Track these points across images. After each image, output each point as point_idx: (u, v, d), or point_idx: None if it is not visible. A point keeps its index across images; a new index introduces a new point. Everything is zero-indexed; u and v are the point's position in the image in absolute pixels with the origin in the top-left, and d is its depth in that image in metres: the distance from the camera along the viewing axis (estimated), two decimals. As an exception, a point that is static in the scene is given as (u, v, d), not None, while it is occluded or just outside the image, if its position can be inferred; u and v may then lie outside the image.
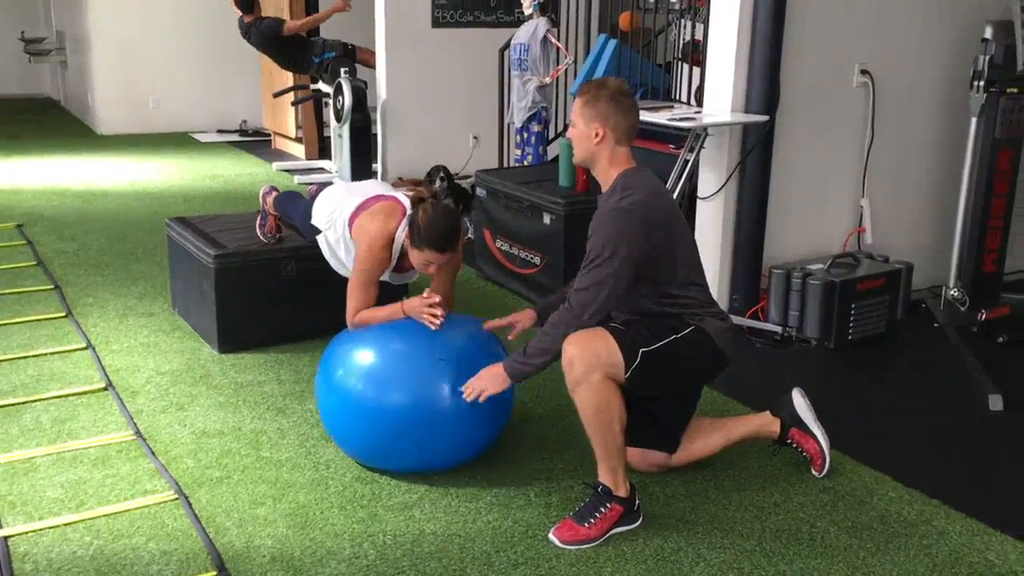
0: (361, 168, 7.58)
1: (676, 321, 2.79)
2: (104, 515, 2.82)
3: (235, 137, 10.34)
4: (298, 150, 9.08)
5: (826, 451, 3.09)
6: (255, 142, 10.02)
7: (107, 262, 5.48)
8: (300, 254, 4.18)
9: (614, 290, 2.71)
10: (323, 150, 8.91)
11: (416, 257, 3.12)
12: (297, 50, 8.05)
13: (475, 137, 7.99)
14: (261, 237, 4.21)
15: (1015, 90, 4.52)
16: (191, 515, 2.83)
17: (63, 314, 4.57)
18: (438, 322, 3.01)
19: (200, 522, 2.79)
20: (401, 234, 3.23)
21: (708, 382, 3.07)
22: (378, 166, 7.87)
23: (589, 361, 2.64)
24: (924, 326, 4.62)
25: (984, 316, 4.58)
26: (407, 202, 3.31)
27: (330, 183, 7.48)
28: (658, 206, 2.75)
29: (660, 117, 4.31)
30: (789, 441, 3.12)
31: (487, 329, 3.13)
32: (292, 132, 9.06)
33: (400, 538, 2.74)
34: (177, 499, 2.92)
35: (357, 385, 2.99)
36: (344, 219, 3.44)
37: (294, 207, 3.98)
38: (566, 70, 6.02)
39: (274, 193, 4.16)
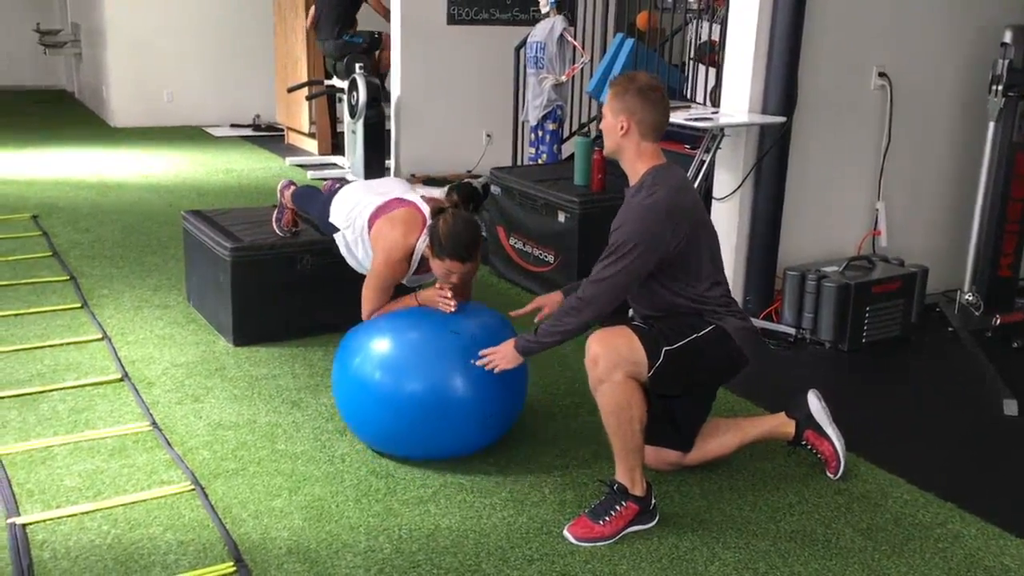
0: (374, 164, 7.59)
1: (696, 319, 2.79)
2: (121, 504, 2.84)
3: (248, 132, 10.36)
4: (311, 145, 9.09)
5: (841, 453, 3.09)
6: (268, 137, 10.04)
7: (122, 254, 5.50)
8: (316, 248, 4.18)
9: (628, 284, 2.74)
10: (336, 146, 8.93)
11: (437, 267, 3.14)
12: (343, 12, 8.01)
13: (488, 135, 8.00)
14: (277, 230, 4.22)
15: (1033, 95, 4.51)
16: (207, 506, 2.84)
17: (79, 305, 4.59)
18: (452, 305, 3.09)
19: (216, 513, 2.80)
20: (421, 245, 3.27)
21: (727, 381, 3.07)
22: (391, 162, 7.88)
23: (612, 359, 2.65)
24: (938, 330, 4.62)
25: (999, 321, 4.57)
26: (427, 210, 3.32)
27: (343, 178, 7.54)
28: (684, 203, 2.76)
29: (677, 117, 4.30)
30: (804, 442, 3.12)
31: (515, 316, 3.19)
32: (305, 127, 9.07)
33: (415, 532, 2.75)
34: (193, 490, 2.93)
35: (374, 372, 3.04)
36: (364, 219, 3.45)
37: (312, 203, 3.99)
38: (582, 69, 6.02)
39: (292, 187, 4.17)
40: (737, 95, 4.38)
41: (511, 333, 3.13)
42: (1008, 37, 4.45)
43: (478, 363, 2.94)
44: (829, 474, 3.11)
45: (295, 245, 4.19)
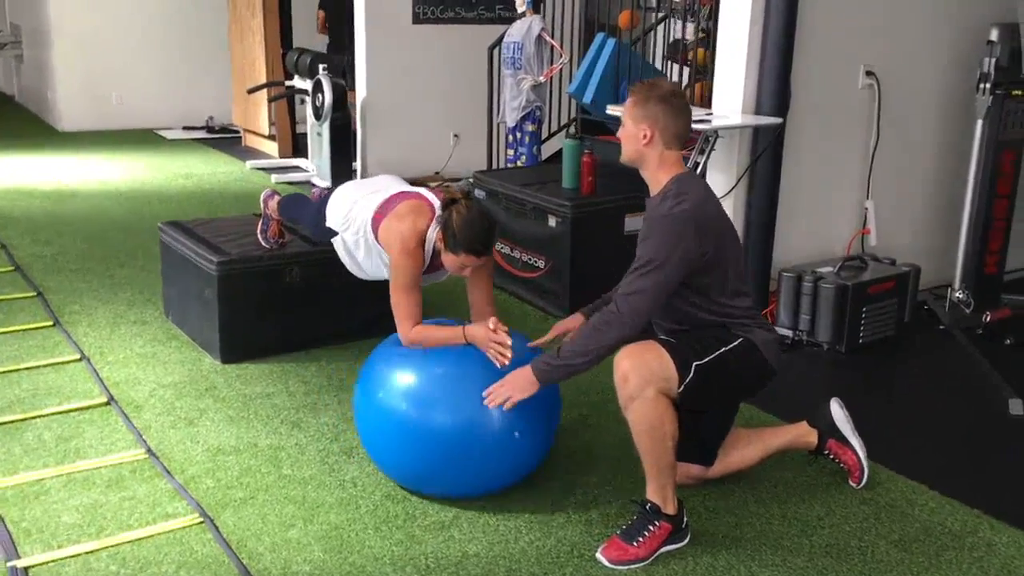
0: (341, 167, 7.43)
1: (724, 332, 2.72)
2: (127, 541, 2.68)
3: (202, 134, 10.09)
4: (271, 148, 8.87)
5: (864, 462, 3.04)
6: (223, 139, 9.78)
7: (89, 267, 5.27)
8: (304, 260, 4.05)
9: (661, 296, 2.65)
10: (297, 148, 8.73)
11: (451, 261, 2.97)
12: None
13: (455, 135, 7.88)
14: (263, 242, 4.06)
15: (1019, 92, 4.53)
16: (220, 540, 2.69)
17: (50, 323, 4.37)
18: (506, 361, 2.79)
19: (231, 547, 2.66)
20: (432, 234, 3.08)
21: (755, 394, 3.00)
22: (358, 164, 7.72)
23: (643, 376, 2.56)
24: (929, 328, 4.62)
25: (989, 318, 4.59)
26: (434, 200, 3.18)
27: (309, 182, 7.36)
28: (710, 213, 2.69)
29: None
30: (826, 452, 3.07)
31: (532, 348, 2.96)
32: (265, 129, 8.84)
33: (443, 561, 2.63)
34: (202, 522, 2.78)
35: (406, 408, 2.82)
36: (365, 219, 3.28)
37: (301, 210, 3.84)
38: (561, 69, 5.92)
39: (276, 197, 4.01)
40: (730, 96, 4.32)
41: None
42: (994, 35, 4.46)
43: (486, 401, 2.73)
44: (852, 483, 3.07)
45: (283, 257, 4.03)
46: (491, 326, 2.83)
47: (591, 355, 2.66)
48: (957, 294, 4.70)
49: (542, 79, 5.78)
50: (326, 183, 7.42)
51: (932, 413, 3.74)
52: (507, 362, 2.78)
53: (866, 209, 4.79)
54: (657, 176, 2.74)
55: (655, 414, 2.58)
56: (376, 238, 3.23)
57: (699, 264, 2.64)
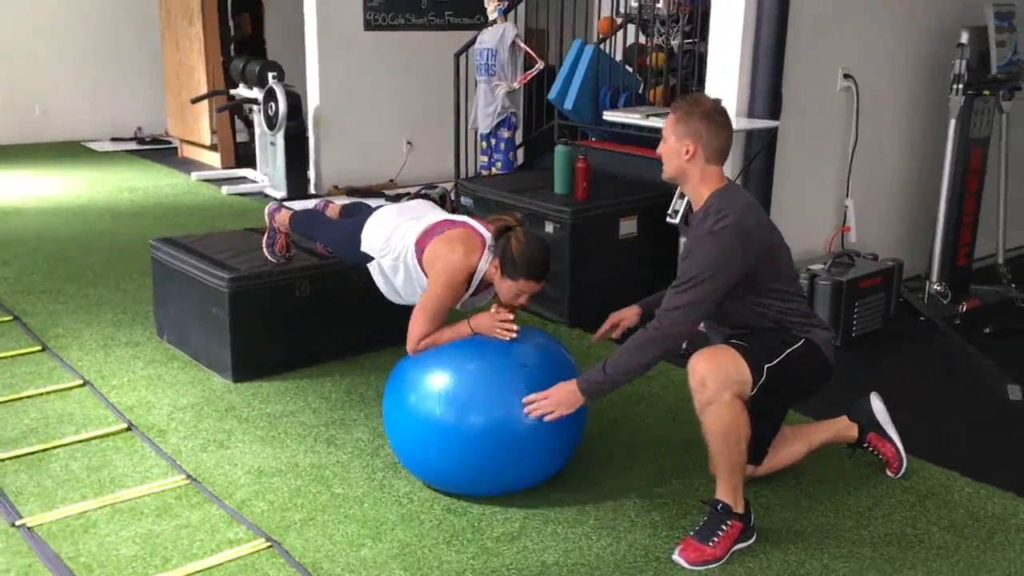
0: (297, 177, 7.31)
1: (785, 334, 2.79)
2: (198, 571, 2.60)
3: (132, 145, 9.76)
4: (212, 159, 8.64)
5: (903, 453, 3.16)
6: (157, 151, 9.49)
7: (59, 287, 5.06)
8: (312, 273, 3.98)
9: (704, 312, 2.72)
10: (239, 158, 8.53)
11: (508, 287, 2.98)
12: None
13: (409, 142, 7.83)
14: (270, 257, 3.97)
15: (988, 92, 4.76)
16: (294, 563, 2.63)
17: (38, 348, 4.19)
18: (514, 333, 2.94)
19: (308, 571, 2.60)
20: (484, 265, 3.09)
21: (815, 394, 3.07)
22: (312, 174, 7.60)
23: (721, 380, 2.61)
24: (909, 320, 4.80)
25: (965, 308, 4.80)
26: (482, 230, 3.16)
27: (262, 192, 7.21)
28: (753, 224, 2.74)
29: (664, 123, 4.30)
30: (866, 445, 3.17)
31: (597, 340, 3.16)
32: (207, 140, 8.60)
33: (524, 572, 2.63)
34: (270, 546, 2.71)
35: (437, 410, 2.87)
36: (409, 243, 3.23)
37: (322, 228, 3.76)
38: (538, 75, 5.92)
39: (283, 211, 3.93)
40: (724, 101, 4.39)
41: (568, 358, 3.07)
42: (964, 38, 4.67)
43: (528, 410, 2.80)
44: (890, 473, 3.18)
45: (292, 271, 3.95)
46: (493, 311, 2.98)
47: (634, 372, 2.76)
48: (935, 286, 4.90)
49: (516, 85, 5.80)
50: (281, 193, 7.29)
51: (936, 402, 3.89)
52: (515, 335, 2.93)
53: (846, 207, 4.95)
54: (700, 191, 2.80)
55: (731, 417, 2.64)
56: (420, 261, 3.20)
57: (746, 275, 2.70)
